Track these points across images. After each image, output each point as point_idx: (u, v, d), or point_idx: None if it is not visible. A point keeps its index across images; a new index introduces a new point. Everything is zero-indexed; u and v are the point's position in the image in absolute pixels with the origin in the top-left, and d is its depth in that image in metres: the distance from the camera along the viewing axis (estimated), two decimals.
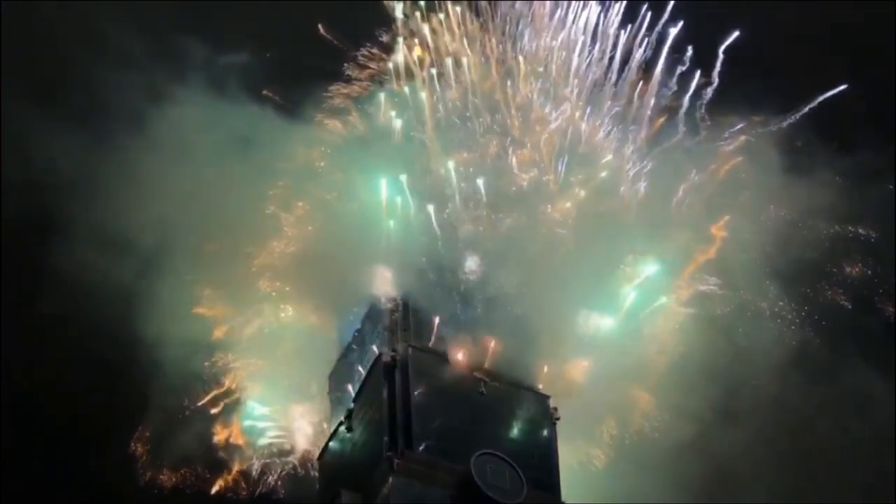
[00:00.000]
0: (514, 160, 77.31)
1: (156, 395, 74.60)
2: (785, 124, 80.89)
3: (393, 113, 79.84)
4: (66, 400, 76.34)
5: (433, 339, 67.79)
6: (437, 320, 67.88)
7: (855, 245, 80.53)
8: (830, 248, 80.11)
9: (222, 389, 75.83)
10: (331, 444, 69.31)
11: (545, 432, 66.79)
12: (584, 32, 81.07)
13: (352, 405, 67.96)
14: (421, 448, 62.75)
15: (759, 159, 79.91)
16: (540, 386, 68.33)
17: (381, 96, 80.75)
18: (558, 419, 67.17)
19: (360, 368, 68.99)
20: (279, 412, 75.19)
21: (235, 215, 75.60)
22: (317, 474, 71.34)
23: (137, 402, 75.67)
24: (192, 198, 74.85)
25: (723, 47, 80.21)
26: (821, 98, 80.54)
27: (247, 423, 75.26)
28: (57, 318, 75.31)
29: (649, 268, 74.57)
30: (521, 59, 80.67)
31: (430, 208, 73.34)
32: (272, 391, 75.31)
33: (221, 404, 75.59)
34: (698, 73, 79.97)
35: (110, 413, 77.08)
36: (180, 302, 74.35)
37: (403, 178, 73.76)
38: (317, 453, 71.44)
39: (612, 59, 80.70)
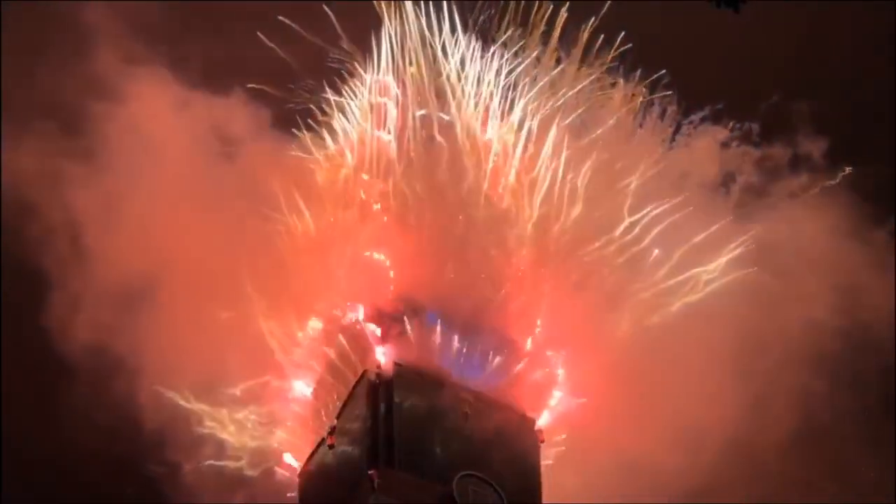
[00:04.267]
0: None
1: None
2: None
3: None
4: None
5: (420, 355, 66.95)
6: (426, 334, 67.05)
7: None
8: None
9: None
10: (313, 460, 68.54)
11: (529, 455, 66.19)
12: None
13: (335, 421, 67.21)
14: (403, 467, 62.20)
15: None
16: (525, 409, 67.52)
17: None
18: (543, 441, 66.72)
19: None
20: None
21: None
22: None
23: None
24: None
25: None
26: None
27: None
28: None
29: None
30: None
31: None
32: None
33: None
34: None
35: None
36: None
37: None
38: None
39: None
